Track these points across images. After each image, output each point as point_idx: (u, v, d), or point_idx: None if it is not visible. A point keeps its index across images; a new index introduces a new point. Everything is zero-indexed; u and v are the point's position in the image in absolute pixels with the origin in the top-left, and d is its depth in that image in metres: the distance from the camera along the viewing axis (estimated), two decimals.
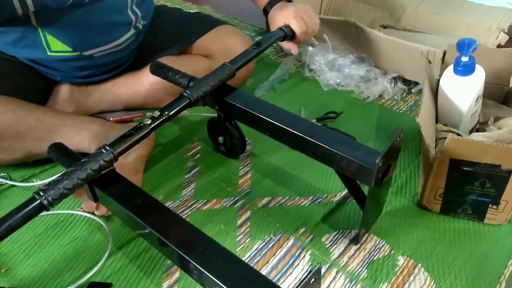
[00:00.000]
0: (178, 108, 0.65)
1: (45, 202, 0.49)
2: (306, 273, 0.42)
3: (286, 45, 0.88)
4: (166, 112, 0.63)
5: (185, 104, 0.66)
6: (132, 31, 0.89)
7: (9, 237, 0.66)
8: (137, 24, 0.90)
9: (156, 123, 0.62)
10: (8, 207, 0.74)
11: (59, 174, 0.53)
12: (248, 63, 0.78)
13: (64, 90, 0.89)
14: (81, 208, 0.73)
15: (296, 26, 0.85)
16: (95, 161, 0.55)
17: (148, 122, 0.61)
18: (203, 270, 0.49)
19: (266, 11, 0.94)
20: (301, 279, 0.42)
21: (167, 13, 1.03)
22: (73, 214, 0.73)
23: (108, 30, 0.84)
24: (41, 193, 0.50)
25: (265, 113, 0.69)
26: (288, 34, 0.85)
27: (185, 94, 0.66)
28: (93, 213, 0.72)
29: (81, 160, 0.55)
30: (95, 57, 0.86)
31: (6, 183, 0.77)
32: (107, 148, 0.57)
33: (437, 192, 0.69)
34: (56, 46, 0.81)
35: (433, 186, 0.68)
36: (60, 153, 0.65)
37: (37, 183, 0.77)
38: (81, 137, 0.77)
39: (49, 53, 0.82)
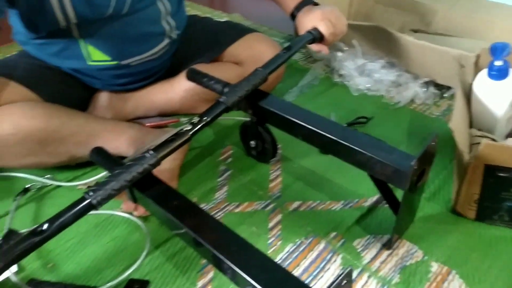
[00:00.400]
0: (216, 114, 0.67)
1: (94, 201, 0.53)
2: (337, 276, 0.43)
3: (316, 47, 0.89)
4: (205, 118, 0.66)
5: (222, 109, 0.68)
6: (166, 40, 0.93)
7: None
8: (171, 34, 0.93)
9: (196, 128, 0.65)
10: (53, 207, 0.78)
11: (107, 176, 0.57)
12: (279, 67, 0.80)
13: (103, 98, 0.93)
14: (121, 209, 0.76)
15: (324, 28, 0.86)
16: (140, 164, 0.58)
17: (188, 128, 0.64)
18: (237, 269, 0.50)
19: (293, 16, 0.95)
20: (333, 281, 0.43)
21: (199, 22, 1.07)
22: (113, 214, 0.76)
23: (144, 40, 0.88)
24: (91, 193, 0.53)
25: (298, 117, 0.71)
26: (316, 36, 0.86)
27: (221, 100, 0.69)
28: (132, 214, 0.75)
29: (127, 163, 0.58)
30: (132, 65, 0.90)
31: (52, 184, 0.82)
32: (152, 152, 0.60)
33: (472, 198, 0.68)
34: (96, 56, 0.86)
35: (468, 192, 0.68)
36: (102, 157, 0.69)
37: (80, 182, 0.81)
38: (120, 141, 0.80)
39: (89, 63, 0.86)
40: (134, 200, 0.68)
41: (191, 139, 0.65)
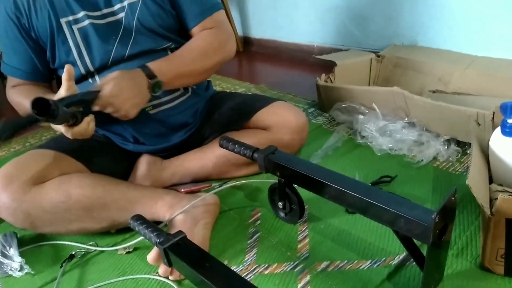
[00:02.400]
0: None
1: None
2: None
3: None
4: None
5: None
6: (181, 90, 1.02)
7: None
8: None
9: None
10: (96, 272, 0.84)
11: None
12: None
13: (142, 167, 1.02)
14: (157, 273, 0.80)
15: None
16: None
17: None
18: None
19: None
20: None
21: (228, 94, 1.18)
22: (150, 278, 0.80)
23: None
24: None
25: (324, 177, 0.75)
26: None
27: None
28: (167, 278, 0.79)
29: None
30: (150, 113, 0.98)
31: (95, 250, 0.88)
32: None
33: (498, 253, 0.68)
34: None
35: (493, 247, 0.68)
36: (141, 225, 0.77)
37: (120, 247, 0.87)
38: (157, 207, 0.87)
39: None
40: (169, 264, 0.73)
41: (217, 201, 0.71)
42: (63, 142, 0.95)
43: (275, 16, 2.07)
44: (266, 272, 0.80)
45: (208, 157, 1.04)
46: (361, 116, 1.23)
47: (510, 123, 0.74)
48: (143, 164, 1.02)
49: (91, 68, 0.95)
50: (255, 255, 0.84)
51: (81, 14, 0.92)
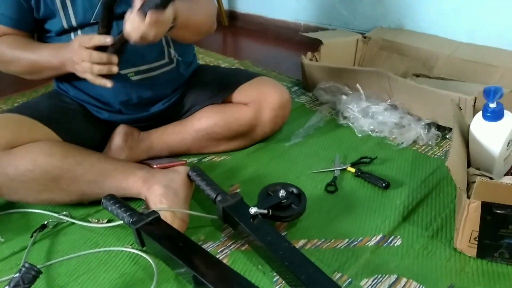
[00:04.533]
0: None
1: None
2: None
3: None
4: None
5: None
6: (166, 59, 0.98)
7: (66, 270, 0.74)
8: (171, 52, 0.99)
9: None
10: (66, 243, 0.82)
11: None
12: None
13: (118, 137, 0.99)
14: (130, 245, 0.79)
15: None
16: None
17: None
18: None
19: None
20: None
21: (211, 68, 1.15)
22: (123, 251, 0.79)
23: (140, 52, 0.92)
24: None
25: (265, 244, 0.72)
26: None
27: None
28: (141, 250, 0.78)
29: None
30: (132, 79, 0.94)
31: (68, 221, 0.86)
32: None
33: (472, 236, 0.69)
34: None
35: (467, 229, 0.69)
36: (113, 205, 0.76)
37: (93, 223, 0.85)
38: (128, 182, 0.85)
39: None
40: (142, 244, 0.72)
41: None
42: (35, 108, 0.91)
43: None
44: (243, 248, 0.79)
45: (188, 130, 1.01)
46: (344, 97, 1.22)
47: (492, 108, 0.74)
48: (120, 134, 0.99)
49: (74, 22, 0.89)
50: (232, 231, 0.83)
51: None
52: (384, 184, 0.92)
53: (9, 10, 0.89)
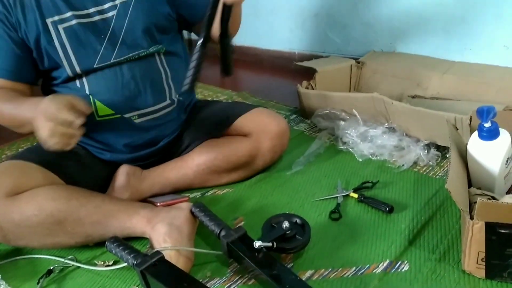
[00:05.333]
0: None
1: None
2: None
3: None
4: None
5: None
6: (168, 101, 1.01)
7: None
8: (172, 94, 1.01)
9: None
10: (74, 287, 0.81)
11: None
12: None
13: (121, 177, 1.00)
14: (137, 287, 0.78)
15: None
16: None
17: None
18: None
19: None
20: None
21: (210, 103, 1.17)
22: None
23: (144, 95, 0.96)
24: None
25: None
26: None
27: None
28: None
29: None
30: (135, 122, 0.97)
31: (73, 265, 0.86)
32: None
33: (479, 257, 0.69)
34: (102, 111, 0.95)
35: (474, 250, 0.69)
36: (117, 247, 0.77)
37: (99, 265, 0.85)
38: (132, 221, 0.85)
39: (97, 118, 0.95)
40: (147, 286, 0.72)
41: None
42: (38, 153, 0.92)
43: (255, 23, 2.07)
44: (250, 283, 0.78)
45: (189, 165, 1.03)
46: (342, 122, 1.23)
47: (487, 127, 0.75)
48: (122, 174, 1.00)
49: (78, 70, 0.92)
50: (238, 266, 0.82)
51: (68, 14, 0.90)
52: (387, 209, 0.92)
53: (5, 63, 0.92)
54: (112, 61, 0.93)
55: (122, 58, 0.94)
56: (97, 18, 0.92)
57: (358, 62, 1.58)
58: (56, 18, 0.90)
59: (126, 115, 0.96)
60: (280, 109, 1.53)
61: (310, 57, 1.81)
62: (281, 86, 1.80)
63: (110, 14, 0.93)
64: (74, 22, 0.91)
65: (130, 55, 0.94)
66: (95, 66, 0.93)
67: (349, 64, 1.56)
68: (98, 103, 0.95)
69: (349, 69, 1.56)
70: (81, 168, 0.97)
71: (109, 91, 0.94)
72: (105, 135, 0.98)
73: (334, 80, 1.51)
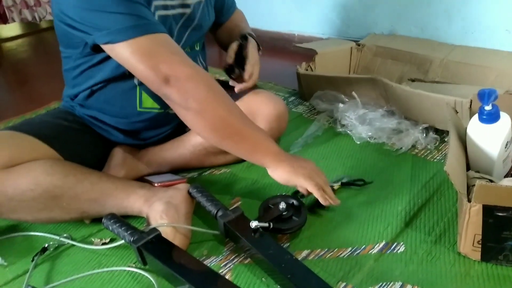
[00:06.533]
0: None
1: None
2: None
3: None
4: None
5: None
6: None
7: None
8: None
9: None
10: (69, 264, 0.81)
11: None
12: None
13: (117, 156, 0.99)
14: (134, 264, 0.78)
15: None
16: None
17: None
18: None
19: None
20: None
21: None
22: (126, 270, 0.78)
23: None
24: None
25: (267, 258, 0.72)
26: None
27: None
28: (143, 269, 0.77)
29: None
30: (170, 113, 0.96)
31: (69, 243, 0.85)
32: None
33: (475, 239, 0.69)
34: (147, 103, 0.94)
35: (470, 233, 0.69)
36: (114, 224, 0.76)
37: (96, 243, 0.85)
38: (129, 200, 0.85)
39: (138, 109, 0.94)
40: (144, 262, 0.72)
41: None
42: (37, 126, 0.91)
43: (255, 4, 2.04)
44: (246, 261, 0.78)
45: (185, 146, 1.02)
46: (341, 105, 1.22)
47: (488, 110, 0.74)
48: (119, 153, 0.99)
49: None
50: (234, 245, 0.82)
51: (174, 2, 0.90)
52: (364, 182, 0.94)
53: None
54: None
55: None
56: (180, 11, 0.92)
57: (359, 45, 1.56)
58: (161, 2, 0.88)
59: (171, 111, 0.92)
60: (279, 90, 1.52)
61: (309, 39, 1.79)
62: (280, 68, 1.78)
63: (189, 9, 0.94)
64: (170, 12, 0.90)
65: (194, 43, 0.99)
66: None
67: (349, 46, 1.55)
68: (144, 95, 0.94)
69: (349, 51, 1.55)
70: (80, 144, 0.95)
71: None
72: (135, 124, 0.98)
73: (334, 62, 1.50)
